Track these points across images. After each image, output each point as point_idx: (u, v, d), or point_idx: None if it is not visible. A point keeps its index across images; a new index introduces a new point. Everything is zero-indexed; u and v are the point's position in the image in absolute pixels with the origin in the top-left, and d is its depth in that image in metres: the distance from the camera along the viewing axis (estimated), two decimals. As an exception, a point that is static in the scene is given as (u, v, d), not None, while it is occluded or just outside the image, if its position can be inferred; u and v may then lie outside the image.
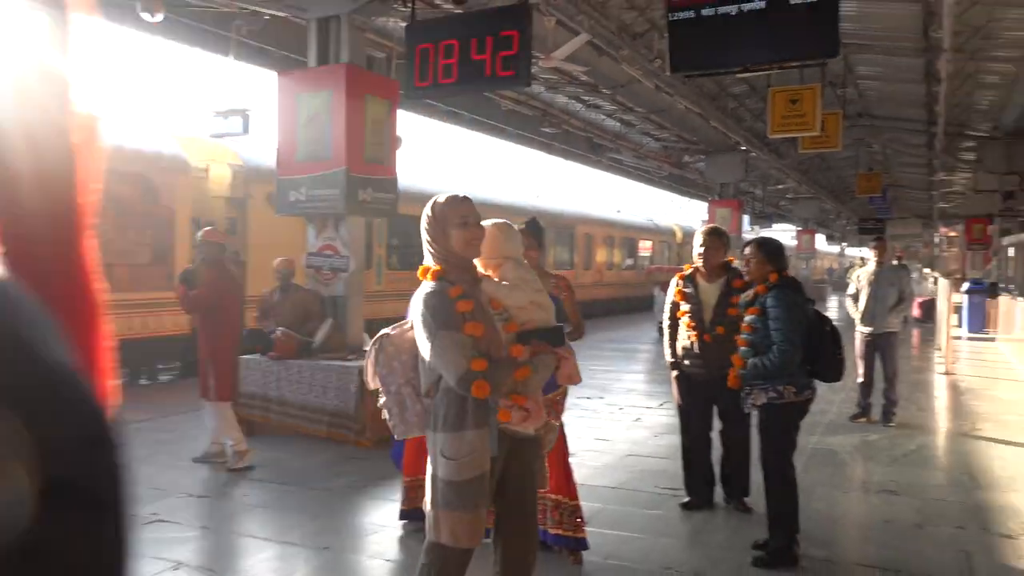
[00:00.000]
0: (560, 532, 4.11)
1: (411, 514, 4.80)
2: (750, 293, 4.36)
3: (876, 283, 7.91)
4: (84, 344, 0.65)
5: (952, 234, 30.46)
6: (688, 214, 38.94)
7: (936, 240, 37.80)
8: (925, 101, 14.83)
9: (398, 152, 8.22)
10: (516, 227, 3.16)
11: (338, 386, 6.87)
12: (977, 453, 6.75)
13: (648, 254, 28.59)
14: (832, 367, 4.27)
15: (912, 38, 11.29)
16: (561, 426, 3.89)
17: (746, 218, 26.74)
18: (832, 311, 23.29)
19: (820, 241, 50.49)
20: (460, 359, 2.65)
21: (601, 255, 24.43)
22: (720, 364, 4.62)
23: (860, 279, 8.09)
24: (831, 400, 8.65)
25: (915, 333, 17.93)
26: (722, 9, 5.75)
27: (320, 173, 7.59)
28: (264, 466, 6.18)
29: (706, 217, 22.16)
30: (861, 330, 8.02)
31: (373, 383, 2.97)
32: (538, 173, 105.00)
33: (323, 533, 4.68)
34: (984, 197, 19.12)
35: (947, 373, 11.35)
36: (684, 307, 5.03)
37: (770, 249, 4.37)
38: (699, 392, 5.04)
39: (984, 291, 18.01)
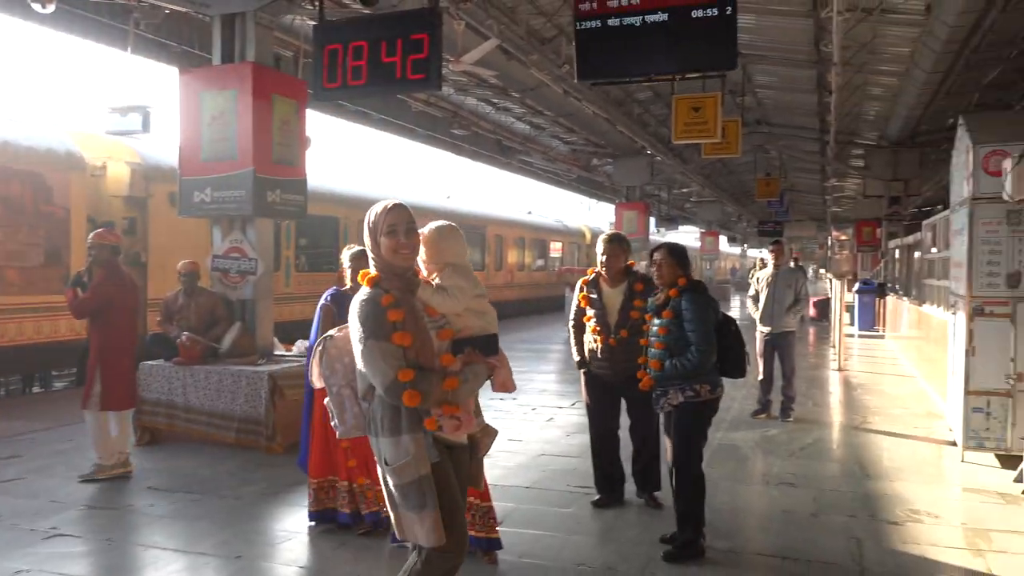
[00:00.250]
0: (474, 533, 4.15)
1: (320, 515, 4.78)
2: (661, 296, 4.51)
3: (774, 285, 8.31)
4: None
5: (843, 237, 31.90)
6: (597, 216, 39.64)
7: (829, 242, 39.58)
8: (818, 111, 15.59)
9: (307, 153, 8.10)
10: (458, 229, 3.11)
11: (248, 391, 6.72)
12: (868, 445, 7.16)
13: (559, 255, 28.93)
14: (738, 365, 4.50)
15: (805, 51, 11.86)
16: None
17: (652, 220, 27.46)
18: (735, 310, 24.12)
19: (723, 243, 52.25)
20: (387, 369, 2.66)
21: (512, 256, 24.56)
22: (626, 365, 4.92)
23: (760, 281, 8.49)
24: (733, 397, 9.01)
25: (811, 332, 18.78)
26: (627, 20, 5.90)
27: (226, 174, 7.40)
28: (171, 475, 6.00)
29: (614, 219, 22.55)
30: (761, 330, 8.40)
31: (318, 383, 3.01)
32: (449, 174, 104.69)
33: (234, 542, 4.58)
34: (872, 202, 20.20)
35: (840, 370, 11.95)
36: (589, 312, 5.20)
37: (679, 254, 4.56)
38: (607, 392, 5.22)
39: (874, 291, 18.85)
